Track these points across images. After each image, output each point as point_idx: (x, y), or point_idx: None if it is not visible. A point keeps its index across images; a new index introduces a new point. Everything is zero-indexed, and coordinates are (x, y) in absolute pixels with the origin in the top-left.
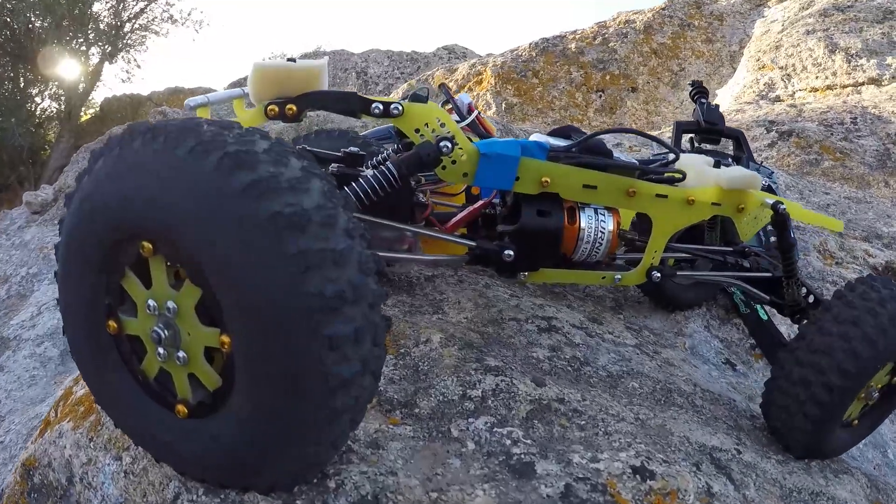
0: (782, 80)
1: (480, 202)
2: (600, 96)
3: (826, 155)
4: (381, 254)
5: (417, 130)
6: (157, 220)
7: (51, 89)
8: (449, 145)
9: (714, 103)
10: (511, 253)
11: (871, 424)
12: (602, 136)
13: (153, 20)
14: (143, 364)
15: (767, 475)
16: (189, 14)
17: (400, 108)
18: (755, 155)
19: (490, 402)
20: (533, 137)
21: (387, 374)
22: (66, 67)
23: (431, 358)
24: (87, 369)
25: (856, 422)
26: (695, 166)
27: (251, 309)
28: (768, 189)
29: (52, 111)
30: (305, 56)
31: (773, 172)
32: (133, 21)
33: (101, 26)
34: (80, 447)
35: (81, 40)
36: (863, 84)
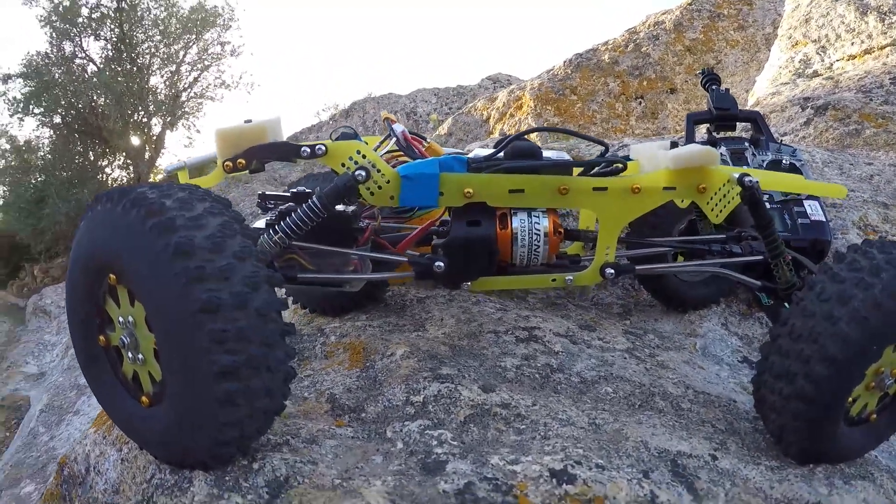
0: (817, 53)
1: (428, 222)
2: (640, 103)
3: (867, 123)
4: (328, 275)
5: (343, 165)
6: (112, 258)
7: (119, 160)
8: (364, 174)
9: (724, 87)
10: (441, 264)
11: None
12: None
13: (207, 87)
14: (123, 367)
15: (749, 483)
16: (240, 78)
17: (323, 148)
18: (792, 136)
19: (430, 406)
20: (474, 151)
21: (347, 384)
22: (131, 139)
23: (389, 369)
24: (89, 375)
25: (874, 416)
26: (647, 152)
27: (159, 313)
28: (790, 168)
29: (122, 180)
30: (355, 104)
31: (795, 150)
32: (188, 90)
33: (160, 97)
34: (96, 444)
35: (142, 113)
36: None
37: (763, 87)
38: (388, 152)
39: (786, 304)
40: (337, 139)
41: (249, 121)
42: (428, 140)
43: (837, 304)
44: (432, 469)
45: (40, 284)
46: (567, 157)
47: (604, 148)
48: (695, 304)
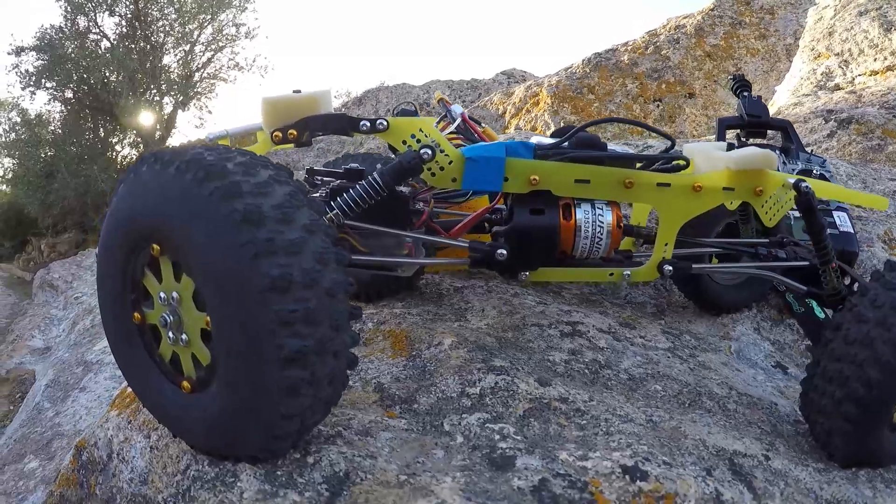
0: (839, 66)
1: (483, 208)
2: (658, 106)
3: (890, 139)
4: (380, 258)
5: (404, 142)
6: (158, 224)
7: (129, 138)
8: (430, 152)
9: (756, 95)
10: (504, 252)
11: None
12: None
13: (221, 68)
14: (160, 348)
15: (801, 484)
16: (254, 61)
17: (385, 123)
18: (815, 148)
19: (488, 399)
20: (533, 139)
21: (395, 373)
22: (142, 117)
23: (439, 359)
24: (119, 354)
25: None
26: (705, 152)
27: (217, 288)
28: (820, 178)
29: (132, 158)
30: (368, 92)
31: (825, 161)
32: (202, 70)
33: (173, 77)
34: (120, 429)
35: (154, 91)
36: None
37: (784, 98)
38: (447, 134)
39: (816, 312)
40: (397, 115)
41: (298, 91)
42: (483, 124)
43: (891, 310)
44: (501, 465)
45: (46, 259)
46: (630, 150)
47: (670, 143)
48: (728, 307)
